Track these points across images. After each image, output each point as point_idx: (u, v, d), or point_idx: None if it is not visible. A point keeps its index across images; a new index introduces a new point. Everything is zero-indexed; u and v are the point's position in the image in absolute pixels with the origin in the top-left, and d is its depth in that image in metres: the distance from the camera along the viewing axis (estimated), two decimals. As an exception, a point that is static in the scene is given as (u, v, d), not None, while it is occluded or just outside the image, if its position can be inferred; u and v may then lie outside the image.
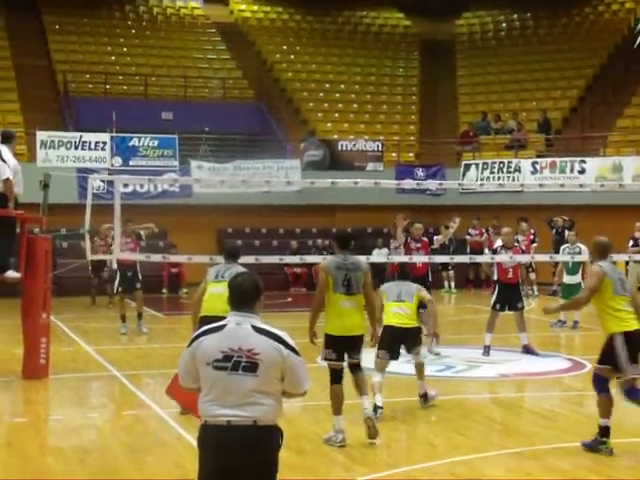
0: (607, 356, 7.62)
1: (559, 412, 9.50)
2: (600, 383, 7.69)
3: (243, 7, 32.68)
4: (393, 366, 9.23)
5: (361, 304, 7.89)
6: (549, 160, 23.42)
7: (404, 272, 9.65)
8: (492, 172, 23.93)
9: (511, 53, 30.14)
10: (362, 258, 8.38)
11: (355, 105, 29.14)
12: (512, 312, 12.72)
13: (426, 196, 23.21)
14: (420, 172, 24.42)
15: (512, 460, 7.54)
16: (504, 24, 32.40)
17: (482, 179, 23.60)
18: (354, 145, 24.97)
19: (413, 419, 8.20)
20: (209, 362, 4.30)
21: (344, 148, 24.85)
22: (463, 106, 28.74)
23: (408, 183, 19.34)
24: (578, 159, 22.87)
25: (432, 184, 20.48)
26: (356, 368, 7.98)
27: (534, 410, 9.59)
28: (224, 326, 4.37)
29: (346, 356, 7.89)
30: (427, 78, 29.93)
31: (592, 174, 22.38)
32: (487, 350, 12.46)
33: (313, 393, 9.17)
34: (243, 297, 4.39)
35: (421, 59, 31.03)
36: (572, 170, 22.84)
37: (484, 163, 24.20)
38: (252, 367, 4.25)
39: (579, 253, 15.31)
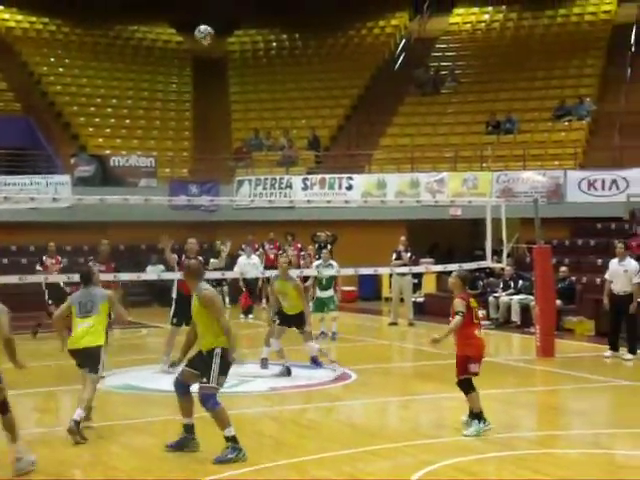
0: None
1: (324, 422, 9.89)
2: (181, 387, 8.25)
3: (7, 16, 31.39)
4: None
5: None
6: (319, 177, 24.26)
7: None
8: (265, 188, 24.44)
9: (282, 72, 30.93)
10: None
11: (128, 120, 28.77)
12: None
13: (200, 212, 23.32)
14: (194, 188, 24.49)
15: (280, 472, 7.75)
16: (274, 43, 33.21)
17: (255, 195, 24.06)
18: (127, 161, 24.68)
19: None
20: None
21: (116, 164, 24.51)
22: (236, 123, 29.15)
23: (180, 199, 19.38)
24: (345, 176, 23.86)
25: (204, 200, 20.64)
26: None
27: (300, 422, 9.91)
28: None
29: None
30: (200, 94, 30.09)
31: (359, 190, 23.42)
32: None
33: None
34: None
35: (194, 75, 31.17)
36: (340, 186, 23.78)
37: (257, 179, 24.67)
38: None
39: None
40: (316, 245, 20.50)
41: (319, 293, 16.55)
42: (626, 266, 14.02)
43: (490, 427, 8.75)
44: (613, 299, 14.08)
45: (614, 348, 14.08)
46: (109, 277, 12.72)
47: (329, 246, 19.11)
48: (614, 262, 14.27)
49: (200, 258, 13.08)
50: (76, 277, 9.94)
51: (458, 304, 8.80)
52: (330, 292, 16.45)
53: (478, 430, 8.69)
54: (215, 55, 32.09)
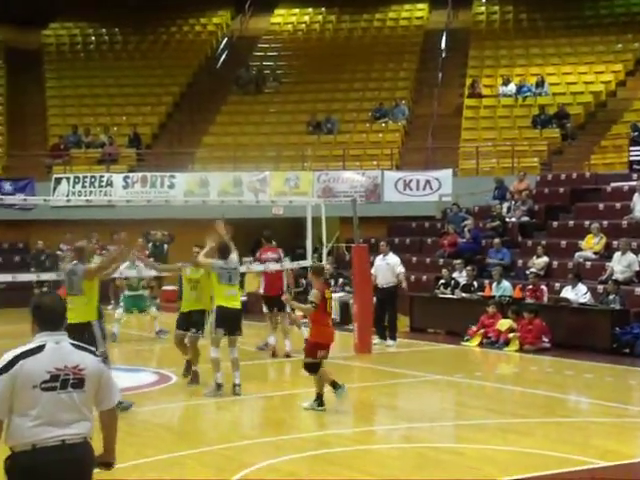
0: None
1: (142, 427, 9.76)
2: None
3: None
4: None
5: None
6: (140, 175, 23.90)
7: None
8: (84, 186, 23.85)
9: (101, 67, 30.16)
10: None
11: None
12: None
13: (15, 210, 22.45)
14: (8, 186, 23.58)
15: (94, 481, 7.61)
16: (93, 37, 32.33)
17: (74, 193, 23.41)
18: None
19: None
20: (36, 384, 4.31)
21: None
22: (53, 118, 28.19)
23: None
24: (168, 174, 23.64)
25: (16, 199, 19.94)
26: None
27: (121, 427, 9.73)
28: (43, 347, 4.38)
29: None
30: (14, 88, 28.88)
31: (181, 188, 23.27)
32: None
33: None
34: (55, 317, 4.50)
35: (7, 68, 29.86)
36: (162, 185, 23.54)
37: (75, 177, 24.02)
38: (79, 383, 4.41)
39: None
40: (149, 244, 20.18)
41: (127, 292, 16.63)
42: (388, 260, 15.49)
43: (323, 409, 9.78)
44: (378, 292, 15.31)
45: (382, 337, 15.38)
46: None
47: (165, 246, 18.92)
48: (379, 258, 15.70)
49: None
50: None
51: (312, 295, 9.86)
52: (140, 291, 16.64)
53: (312, 406, 9.79)
54: (30, 47, 30.93)
